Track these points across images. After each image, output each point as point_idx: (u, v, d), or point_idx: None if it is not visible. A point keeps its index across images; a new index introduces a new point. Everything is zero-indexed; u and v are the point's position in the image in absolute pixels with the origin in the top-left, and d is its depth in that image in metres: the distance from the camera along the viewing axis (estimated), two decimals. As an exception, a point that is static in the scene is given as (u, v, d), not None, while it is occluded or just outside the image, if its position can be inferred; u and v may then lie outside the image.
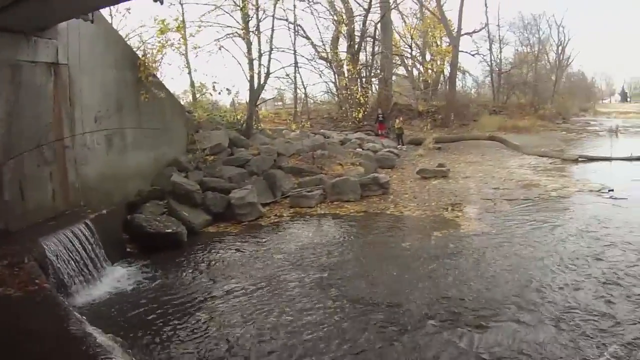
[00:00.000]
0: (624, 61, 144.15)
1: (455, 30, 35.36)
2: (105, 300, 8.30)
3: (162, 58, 14.10)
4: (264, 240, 11.42)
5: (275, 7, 20.32)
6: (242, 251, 10.64)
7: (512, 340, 6.41)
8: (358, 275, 8.96)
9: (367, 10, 32.73)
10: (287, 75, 21.10)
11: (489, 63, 42.93)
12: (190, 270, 9.62)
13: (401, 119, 27.80)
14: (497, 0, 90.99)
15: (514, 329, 6.70)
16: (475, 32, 40.21)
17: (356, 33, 32.54)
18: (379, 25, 33.23)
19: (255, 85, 19.29)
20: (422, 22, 39.19)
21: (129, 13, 17.55)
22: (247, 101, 20.21)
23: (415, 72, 40.91)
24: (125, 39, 14.69)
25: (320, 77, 35.11)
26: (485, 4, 49.30)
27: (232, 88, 20.67)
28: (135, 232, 10.86)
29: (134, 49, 13.71)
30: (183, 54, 18.26)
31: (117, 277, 9.25)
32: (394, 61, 36.41)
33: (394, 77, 37.60)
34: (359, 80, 30.46)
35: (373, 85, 35.47)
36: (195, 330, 7.12)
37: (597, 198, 13.87)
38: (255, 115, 19.96)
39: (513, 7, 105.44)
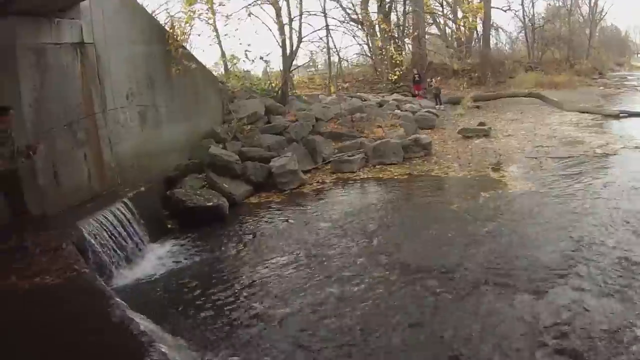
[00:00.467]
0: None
1: (486, -15, 33.47)
2: (148, 280, 7.90)
3: (190, 29, 13.49)
4: (308, 208, 10.92)
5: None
6: (286, 221, 10.15)
7: (573, 307, 5.83)
8: (407, 241, 8.47)
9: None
10: (320, 38, 20.13)
11: (521, 18, 40.88)
12: (234, 244, 9.16)
13: (438, 78, 26.73)
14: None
15: (574, 295, 6.16)
16: (507, -14, 38.22)
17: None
18: (409, -17, 31.78)
19: (288, 51, 18.52)
20: (452, -22, 37.36)
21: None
22: (281, 68, 19.47)
23: (447, 31, 39.36)
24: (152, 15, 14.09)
25: (354, 38, 33.76)
26: (516, -43, 46.69)
27: (265, 56, 19.88)
28: (175, 207, 10.41)
29: (162, 23, 13.12)
30: (211, 24, 17.58)
31: (160, 255, 8.85)
32: (425, 20, 34.96)
33: (426, 37, 36.18)
34: (392, 40, 29.30)
35: (406, 45, 34.22)
36: (244, 308, 6.66)
37: (644, 154, 12.95)
38: (290, 81, 19.22)
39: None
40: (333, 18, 30.68)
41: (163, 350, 4.26)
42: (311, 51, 29.83)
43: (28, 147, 7.37)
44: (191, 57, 13.25)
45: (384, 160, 14.05)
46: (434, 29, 39.53)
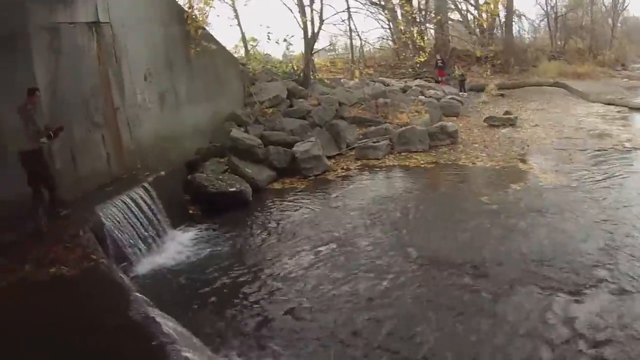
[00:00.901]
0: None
1: (508, -30, 32.42)
2: (169, 269, 7.50)
3: (209, 10, 12.93)
4: (333, 195, 10.47)
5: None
6: (311, 208, 9.72)
7: (616, 310, 5.37)
8: (437, 233, 7.97)
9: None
10: (343, 20, 19.38)
11: (543, 6, 39.66)
12: (258, 231, 8.77)
13: (463, 64, 25.88)
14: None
15: (614, 298, 5.63)
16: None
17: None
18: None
19: (309, 33, 17.87)
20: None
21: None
22: (303, 50, 18.85)
23: (469, 17, 38.34)
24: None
25: (378, 22, 32.86)
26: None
27: (289, 38, 19.25)
28: (197, 192, 9.97)
29: (180, 3, 12.56)
30: (231, 5, 17.04)
31: (181, 242, 8.46)
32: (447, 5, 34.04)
33: (449, 22, 35.28)
34: (414, 24, 28.52)
35: (428, 30, 33.35)
36: (268, 300, 6.26)
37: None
38: (312, 64, 18.56)
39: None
40: (356, 0, 29.81)
41: (187, 356, 3.71)
42: (331, 35, 28.99)
43: (47, 128, 7.09)
44: (211, 38, 12.70)
45: (410, 147, 13.50)
46: (455, 15, 38.60)
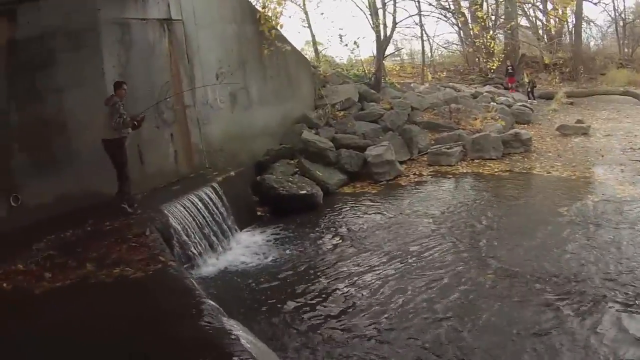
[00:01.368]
0: None
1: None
2: (236, 271, 6.99)
3: (282, 11, 12.45)
4: (406, 202, 9.75)
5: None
6: (383, 214, 9.03)
7: None
8: (516, 244, 7.28)
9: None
10: (416, 24, 18.63)
11: (610, 13, 37.33)
12: (328, 236, 8.16)
13: (531, 71, 24.62)
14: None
15: None
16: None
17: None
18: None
19: (382, 36, 17.15)
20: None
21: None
22: (373, 53, 18.22)
23: (538, 24, 36.64)
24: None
25: (452, 27, 31.85)
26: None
27: (358, 40, 18.71)
28: (265, 194, 9.49)
29: (253, 3, 12.21)
30: (302, 8, 16.61)
31: (248, 244, 7.96)
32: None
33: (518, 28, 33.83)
34: (485, 30, 27.37)
35: (498, 36, 32.01)
36: (340, 310, 5.65)
37: None
38: (383, 68, 17.82)
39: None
40: (429, 4, 28.78)
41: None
42: (396, 40, 28.07)
43: (132, 118, 6.95)
44: (284, 39, 12.23)
45: (483, 154, 12.57)
46: (524, 21, 37.00)
